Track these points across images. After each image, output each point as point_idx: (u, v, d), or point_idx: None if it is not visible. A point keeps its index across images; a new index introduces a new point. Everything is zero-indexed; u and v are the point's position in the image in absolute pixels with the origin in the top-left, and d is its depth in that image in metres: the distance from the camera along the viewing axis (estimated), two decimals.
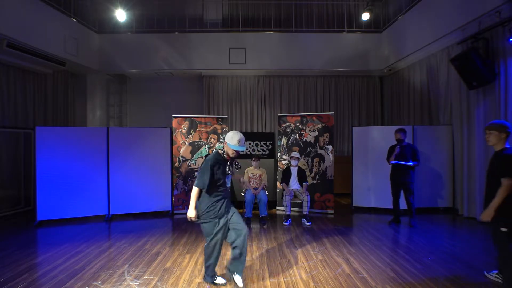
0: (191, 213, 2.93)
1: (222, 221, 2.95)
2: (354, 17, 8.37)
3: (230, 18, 8.51)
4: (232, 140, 2.87)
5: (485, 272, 3.23)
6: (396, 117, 8.12)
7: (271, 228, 5.08)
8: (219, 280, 3.08)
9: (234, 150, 2.92)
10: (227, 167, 3.02)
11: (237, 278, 2.95)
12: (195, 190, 2.93)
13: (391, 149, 5.25)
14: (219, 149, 3.06)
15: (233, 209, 3.10)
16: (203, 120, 6.29)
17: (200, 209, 2.95)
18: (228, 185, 3.07)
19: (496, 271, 3.15)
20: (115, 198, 5.67)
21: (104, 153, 5.61)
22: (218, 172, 2.93)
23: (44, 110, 7.14)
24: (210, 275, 3.08)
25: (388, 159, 5.25)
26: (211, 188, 2.91)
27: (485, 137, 2.95)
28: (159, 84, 8.82)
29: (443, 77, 6.24)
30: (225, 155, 3.00)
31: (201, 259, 3.66)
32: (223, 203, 2.98)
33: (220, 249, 3.00)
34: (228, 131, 6.49)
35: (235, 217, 3.02)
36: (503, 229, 2.69)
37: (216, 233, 2.93)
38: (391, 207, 6.06)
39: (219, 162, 2.96)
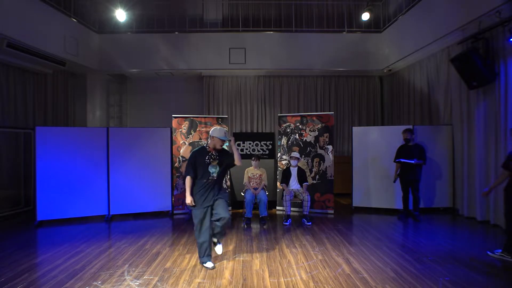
0: (187, 199, 3.40)
1: (208, 209, 3.42)
2: (354, 17, 8.36)
3: (230, 18, 8.51)
4: (220, 133, 3.42)
5: (489, 252, 3.71)
6: (396, 117, 8.12)
7: (271, 228, 5.08)
8: (208, 264, 3.43)
9: (221, 140, 3.43)
10: (206, 157, 3.43)
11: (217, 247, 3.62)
12: (186, 179, 3.44)
13: (399, 149, 5.54)
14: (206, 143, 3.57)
15: (220, 199, 3.47)
16: (203, 120, 6.29)
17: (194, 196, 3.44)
18: (213, 174, 3.44)
19: (500, 250, 3.63)
20: (115, 198, 5.67)
21: (104, 153, 5.61)
22: (198, 163, 3.43)
23: (44, 110, 7.14)
24: (201, 255, 3.46)
25: (394, 160, 5.59)
26: (197, 178, 3.44)
27: None
28: (159, 84, 8.82)
29: (443, 77, 6.24)
30: (208, 148, 3.49)
31: None
32: (208, 193, 3.42)
33: (205, 231, 3.42)
34: (228, 131, 6.54)
35: (217, 206, 3.43)
36: None
37: (201, 219, 3.41)
38: (391, 207, 6.14)
39: (199, 154, 3.46)
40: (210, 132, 3.50)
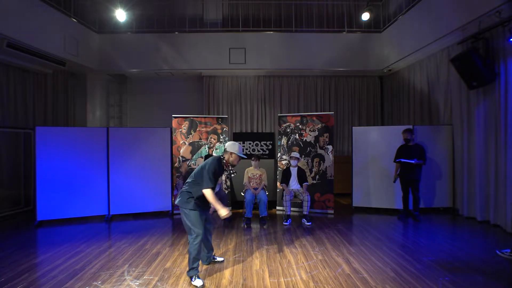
0: (223, 212, 3.07)
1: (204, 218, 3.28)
2: (354, 17, 8.36)
3: (230, 18, 8.51)
4: (240, 150, 3.33)
5: (497, 251, 3.67)
6: (396, 117, 8.13)
7: (271, 228, 5.08)
8: (198, 283, 3.02)
9: (240, 158, 3.35)
10: (226, 174, 3.27)
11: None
12: (209, 192, 3.08)
13: (399, 149, 5.55)
14: (221, 155, 3.38)
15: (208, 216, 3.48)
16: (203, 120, 6.29)
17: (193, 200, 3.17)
18: (217, 189, 3.32)
19: (509, 250, 3.59)
20: (115, 198, 5.67)
21: (104, 153, 5.62)
22: (216, 178, 3.26)
23: (44, 110, 7.14)
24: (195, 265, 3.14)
25: (394, 160, 5.60)
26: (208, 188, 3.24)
27: None
28: (159, 84, 8.82)
29: (443, 77, 6.24)
30: (224, 162, 3.34)
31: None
32: (209, 205, 3.31)
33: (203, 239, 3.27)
34: (228, 131, 6.52)
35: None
36: None
37: (202, 225, 3.18)
38: (391, 207, 6.14)
39: (219, 167, 3.26)
40: (227, 147, 3.31)
